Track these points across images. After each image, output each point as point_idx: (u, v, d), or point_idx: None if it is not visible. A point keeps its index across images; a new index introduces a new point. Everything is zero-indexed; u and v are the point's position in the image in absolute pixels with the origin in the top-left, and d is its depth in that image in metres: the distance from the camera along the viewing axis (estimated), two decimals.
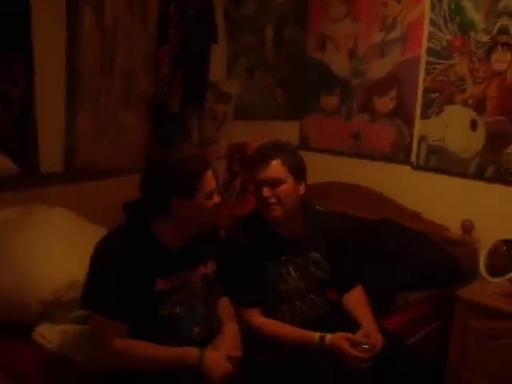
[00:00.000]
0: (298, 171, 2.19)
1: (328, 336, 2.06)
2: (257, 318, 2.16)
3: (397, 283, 2.74)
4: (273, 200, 2.14)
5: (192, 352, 1.89)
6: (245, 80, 3.88)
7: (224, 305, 2.17)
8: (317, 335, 2.07)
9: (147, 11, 3.47)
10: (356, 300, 2.32)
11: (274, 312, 2.20)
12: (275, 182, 2.13)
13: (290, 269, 2.23)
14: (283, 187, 2.14)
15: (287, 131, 3.60)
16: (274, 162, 2.13)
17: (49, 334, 2.31)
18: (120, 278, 1.83)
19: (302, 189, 2.21)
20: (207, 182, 1.90)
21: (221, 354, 1.92)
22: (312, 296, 2.29)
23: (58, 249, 2.51)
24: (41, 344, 2.28)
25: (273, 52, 3.71)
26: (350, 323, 2.18)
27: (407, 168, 3.15)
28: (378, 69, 3.21)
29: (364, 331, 2.10)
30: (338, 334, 2.06)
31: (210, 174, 1.92)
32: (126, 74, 3.43)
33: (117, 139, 3.47)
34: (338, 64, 3.38)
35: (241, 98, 3.91)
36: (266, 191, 2.13)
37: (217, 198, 1.96)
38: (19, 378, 2.08)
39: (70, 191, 3.25)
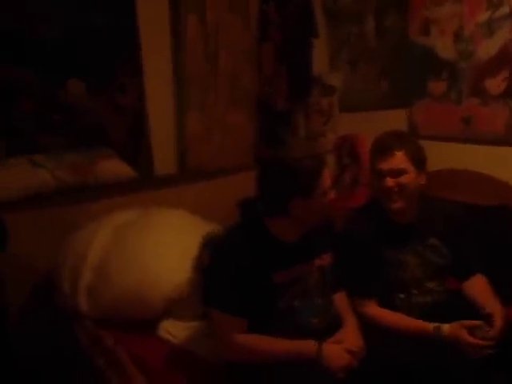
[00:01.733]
0: (420, 162, 2.22)
1: (445, 326, 2.02)
2: (372, 309, 2.16)
3: None
4: (396, 189, 2.16)
5: (310, 345, 1.91)
6: (348, 72, 3.84)
7: (341, 298, 2.19)
8: (431, 325, 2.05)
9: (248, 10, 3.54)
10: (478, 286, 2.26)
11: (391, 301, 2.21)
12: (399, 172, 2.16)
13: (409, 256, 2.23)
14: (406, 177, 2.17)
15: (394, 120, 3.53)
16: (398, 152, 2.16)
17: (174, 330, 2.43)
18: (238, 275, 1.89)
19: (422, 179, 2.23)
20: (324, 180, 1.93)
21: (339, 347, 1.93)
22: (429, 284, 2.25)
23: (176, 248, 2.63)
24: (167, 339, 2.40)
25: (375, 41, 3.64)
26: (470, 313, 2.11)
27: None
28: (486, 49, 3.06)
29: (487, 312, 2.04)
30: (456, 322, 2.02)
31: (326, 171, 1.95)
32: (231, 73, 3.52)
33: (225, 139, 3.57)
34: (444, 47, 3.26)
35: (345, 90, 3.88)
36: (390, 181, 2.16)
37: (332, 194, 1.98)
38: (150, 372, 2.19)
39: (183, 192, 3.38)
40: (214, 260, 2.00)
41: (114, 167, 3.06)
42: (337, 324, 2.08)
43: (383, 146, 2.21)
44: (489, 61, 3.06)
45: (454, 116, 3.27)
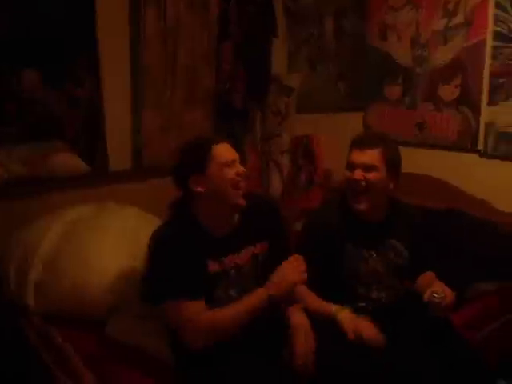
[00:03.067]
0: (393, 166, 2.23)
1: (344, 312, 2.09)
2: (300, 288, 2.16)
3: (466, 274, 2.68)
4: (362, 184, 2.18)
5: (260, 291, 1.96)
6: (306, 72, 3.87)
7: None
8: (333, 308, 2.11)
9: (208, 7, 3.53)
10: (426, 276, 2.30)
11: (351, 294, 2.23)
12: (369, 168, 2.18)
13: (372, 252, 2.26)
14: (375, 175, 2.18)
15: (350, 122, 3.58)
16: (375, 148, 2.19)
17: (121, 327, 2.39)
18: (177, 265, 1.91)
19: (392, 184, 2.24)
20: (218, 153, 1.97)
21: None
22: (389, 281, 2.28)
23: (126, 248, 2.60)
24: (115, 336, 2.37)
25: (333, 43, 3.68)
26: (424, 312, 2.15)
27: (474, 156, 3.06)
28: (441, 56, 3.13)
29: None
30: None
31: (222, 146, 1.99)
32: (189, 71, 3.50)
33: (182, 136, 3.54)
34: (400, 52, 3.33)
35: (303, 91, 3.91)
36: (358, 174, 2.18)
37: (239, 168, 1.99)
38: (98, 369, 2.15)
39: (138, 188, 3.35)
40: (152, 257, 2.00)
41: (68, 161, 3.01)
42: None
43: (362, 141, 2.24)
44: (443, 68, 3.13)
45: (408, 120, 3.33)
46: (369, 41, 3.48)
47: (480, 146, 3.03)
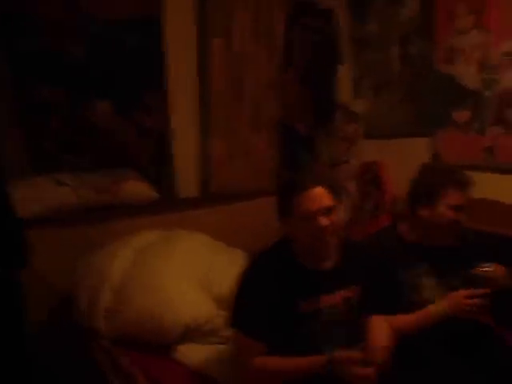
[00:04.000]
0: None
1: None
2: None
3: None
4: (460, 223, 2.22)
5: (321, 357, 1.86)
6: (372, 98, 3.86)
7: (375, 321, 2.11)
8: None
9: (273, 36, 3.58)
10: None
11: None
12: (460, 208, 2.20)
13: (425, 279, 2.22)
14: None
15: (417, 148, 3.53)
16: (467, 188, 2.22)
17: (191, 353, 2.42)
18: (264, 300, 1.90)
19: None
20: (303, 201, 1.88)
21: (348, 354, 1.83)
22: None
23: (197, 274, 2.63)
24: (182, 361, 2.39)
25: (399, 68, 3.66)
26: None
27: None
28: (511, 79, 3.07)
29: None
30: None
31: (311, 193, 1.89)
32: (255, 99, 3.54)
33: (248, 163, 3.58)
34: (468, 76, 3.26)
35: (369, 117, 3.89)
36: (459, 215, 2.20)
37: (323, 221, 1.89)
38: None
39: (205, 215, 3.39)
40: (242, 283, 2.00)
41: (137, 188, 3.08)
42: None
43: (463, 179, 2.23)
44: None
45: (477, 145, 3.25)
46: (436, 65, 3.43)
47: None
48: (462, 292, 2.07)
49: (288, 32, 3.66)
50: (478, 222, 2.90)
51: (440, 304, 2.07)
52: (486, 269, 2.06)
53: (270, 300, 1.90)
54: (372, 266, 2.14)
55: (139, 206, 3.08)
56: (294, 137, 3.75)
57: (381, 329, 2.01)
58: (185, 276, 2.62)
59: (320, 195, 1.90)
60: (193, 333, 2.49)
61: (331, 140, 3.94)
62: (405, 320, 2.13)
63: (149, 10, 3.06)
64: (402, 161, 3.61)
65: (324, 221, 1.89)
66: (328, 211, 1.91)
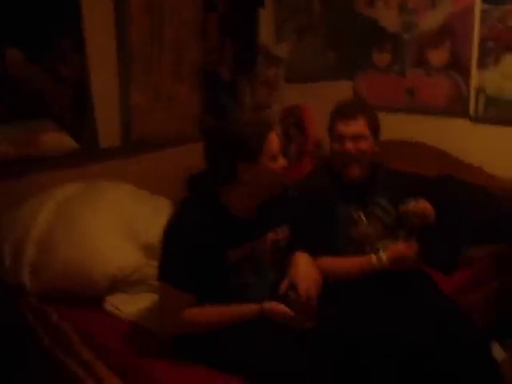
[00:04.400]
0: (377, 131, 2.29)
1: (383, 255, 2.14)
2: (319, 261, 2.17)
3: (461, 238, 2.70)
4: (354, 153, 2.22)
5: (254, 306, 1.91)
6: (294, 42, 3.84)
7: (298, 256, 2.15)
8: (373, 258, 2.14)
9: None
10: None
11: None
12: (359, 137, 2.21)
13: (361, 214, 2.28)
14: (365, 143, 2.23)
15: (340, 91, 3.54)
16: (360, 118, 2.22)
17: (120, 304, 2.40)
18: (191, 251, 1.87)
19: (376, 146, 2.30)
20: (270, 144, 1.91)
21: (280, 305, 1.89)
22: (380, 243, 2.29)
23: (121, 224, 2.59)
24: (111, 312, 2.38)
25: (321, 11, 3.65)
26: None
27: (465, 121, 3.06)
28: (429, 21, 3.10)
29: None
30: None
31: (272, 136, 1.93)
32: (175, 44, 3.45)
33: (170, 110, 3.52)
34: (388, 19, 3.29)
35: (291, 61, 3.88)
36: (349, 145, 2.21)
37: (282, 161, 1.96)
38: (97, 347, 2.16)
39: (128, 164, 3.33)
40: (167, 235, 1.96)
41: (57, 139, 2.98)
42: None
43: (346, 111, 2.25)
44: (432, 32, 3.11)
45: (398, 87, 3.32)
46: (356, 8, 3.44)
47: (470, 111, 3.03)
48: (402, 247, 2.15)
49: None
50: (399, 162, 2.99)
51: (381, 258, 2.12)
52: (419, 204, 2.13)
53: (197, 250, 1.87)
54: (299, 206, 2.20)
55: (60, 157, 2.98)
56: (217, 82, 3.70)
57: (304, 264, 2.06)
58: (110, 226, 2.58)
59: (277, 136, 1.97)
60: (121, 283, 2.47)
61: (253, 85, 3.92)
62: (344, 264, 2.18)
63: None
64: (324, 104, 3.62)
65: (284, 160, 1.97)
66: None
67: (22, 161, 2.83)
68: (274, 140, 1.93)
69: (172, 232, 1.95)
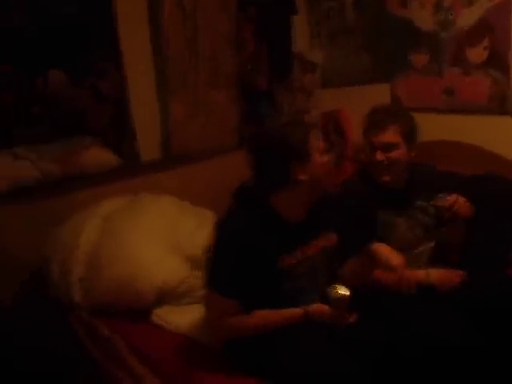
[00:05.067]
0: (411, 136, 2.28)
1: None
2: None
3: (506, 238, 2.65)
4: (385, 163, 2.23)
5: (297, 310, 1.94)
6: (329, 47, 3.83)
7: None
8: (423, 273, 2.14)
9: None
10: None
11: None
12: (389, 147, 2.22)
13: (401, 219, 2.30)
14: (396, 152, 2.24)
15: (377, 94, 3.53)
16: (391, 127, 2.22)
17: (167, 316, 2.43)
18: (243, 258, 1.89)
19: (413, 151, 2.29)
20: (315, 141, 1.94)
21: (325, 307, 1.93)
22: (419, 248, 2.31)
23: (166, 236, 2.62)
24: (160, 325, 2.40)
25: (354, 15, 3.63)
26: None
27: (507, 118, 3.01)
28: (466, 18, 3.05)
29: None
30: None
31: (313, 133, 1.95)
32: (211, 55, 3.48)
33: (209, 122, 3.54)
34: (423, 19, 3.25)
35: (327, 66, 3.87)
36: (380, 155, 2.23)
37: (326, 157, 1.97)
38: (148, 360, 2.19)
39: (169, 177, 3.36)
40: (217, 241, 1.97)
41: (98, 156, 3.03)
42: None
43: (376, 120, 2.25)
44: (469, 30, 3.06)
45: (436, 87, 3.27)
46: (390, 9, 3.41)
47: (511, 108, 2.97)
48: (456, 273, 2.16)
49: None
50: (441, 162, 2.95)
51: (431, 275, 2.13)
52: (448, 198, 2.14)
53: (248, 255, 1.88)
54: (342, 211, 2.19)
55: (102, 173, 3.03)
56: (254, 91, 3.72)
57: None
58: (154, 239, 2.61)
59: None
60: (167, 295, 2.50)
61: (291, 92, 3.92)
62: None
63: None
64: (362, 108, 3.61)
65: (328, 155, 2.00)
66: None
67: (66, 179, 2.88)
68: (315, 137, 1.95)
69: (222, 238, 1.96)
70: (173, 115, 3.38)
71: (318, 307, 1.93)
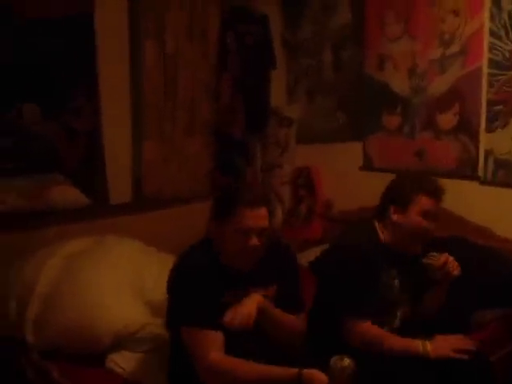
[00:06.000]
0: None
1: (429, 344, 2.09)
2: (369, 328, 2.16)
3: (471, 302, 2.66)
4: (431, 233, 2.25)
5: (292, 370, 1.86)
6: (305, 104, 3.90)
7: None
8: (420, 344, 2.09)
9: (207, 40, 3.57)
10: None
11: (386, 322, 2.24)
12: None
13: (396, 280, 2.27)
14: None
15: (350, 152, 3.59)
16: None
17: (122, 362, 2.36)
18: (201, 292, 1.89)
19: None
20: (241, 217, 1.91)
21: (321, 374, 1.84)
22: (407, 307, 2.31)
23: (129, 281, 2.57)
24: (114, 371, 2.34)
25: (332, 74, 3.71)
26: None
27: (474, 184, 3.06)
28: (438, 85, 3.15)
29: None
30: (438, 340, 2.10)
31: (248, 212, 1.92)
32: (189, 102, 3.51)
33: (182, 167, 3.55)
34: (398, 83, 3.35)
35: (302, 122, 3.92)
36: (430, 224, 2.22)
37: (255, 241, 1.93)
38: None
39: (139, 220, 3.34)
40: (177, 279, 1.97)
41: (67, 194, 3.00)
42: None
43: (435, 188, 2.27)
44: (441, 96, 3.15)
45: (407, 149, 3.34)
46: (367, 71, 3.50)
47: (480, 173, 3.03)
48: (447, 339, 2.12)
49: (223, 36, 3.65)
50: None
51: (426, 345, 2.08)
52: (440, 257, 2.15)
53: (204, 291, 1.90)
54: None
55: (70, 212, 2.99)
56: (229, 141, 3.75)
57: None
58: (115, 282, 2.55)
59: (263, 216, 1.95)
60: (125, 340, 2.42)
61: (265, 145, 3.96)
62: (390, 340, 2.15)
63: (79, 9, 2.98)
64: (334, 166, 3.66)
65: (255, 241, 1.93)
66: (262, 232, 1.95)
67: (32, 214, 2.84)
68: (247, 216, 1.92)
69: (180, 276, 1.96)
70: (146, 159, 3.38)
71: (314, 373, 1.82)
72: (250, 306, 1.94)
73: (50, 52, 2.89)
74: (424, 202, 2.21)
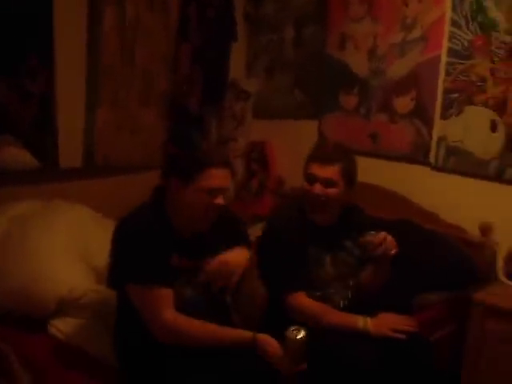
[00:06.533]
0: (351, 180, 2.30)
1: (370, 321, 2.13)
2: (303, 299, 2.20)
3: (414, 284, 2.72)
4: (322, 199, 2.23)
5: (247, 334, 1.91)
6: (264, 79, 3.88)
7: None
8: (360, 320, 2.13)
9: (168, 10, 3.49)
10: None
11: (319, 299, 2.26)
12: (329, 183, 2.22)
13: (327, 256, 2.31)
14: (334, 190, 2.24)
15: (306, 130, 3.60)
16: (336, 164, 2.23)
17: (64, 327, 2.34)
18: (148, 250, 1.88)
19: (348, 195, 2.32)
20: (206, 178, 1.93)
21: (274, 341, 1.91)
22: (343, 283, 2.34)
23: (75, 247, 2.54)
24: (55, 336, 2.31)
25: (292, 51, 3.70)
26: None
27: (426, 169, 3.12)
28: (397, 69, 3.19)
29: None
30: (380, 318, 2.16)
31: (214, 171, 1.94)
32: (146, 72, 3.45)
33: (136, 136, 3.50)
34: (358, 63, 3.37)
35: (260, 97, 3.91)
36: (318, 188, 2.22)
37: (219, 200, 1.97)
38: (36, 370, 2.11)
39: (88, 186, 3.28)
40: (121, 236, 1.94)
41: (17, 155, 2.91)
42: None
43: (323, 155, 2.26)
44: (399, 80, 3.18)
45: (362, 131, 3.37)
46: (327, 50, 3.50)
47: (431, 159, 3.09)
48: (389, 317, 2.18)
49: (184, 7, 3.58)
50: (360, 204, 3.01)
51: (367, 323, 2.12)
52: (378, 235, 2.16)
53: (153, 247, 1.89)
54: (271, 245, 2.27)
55: (19, 174, 2.91)
56: (184, 113, 3.70)
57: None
58: (62, 247, 2.52)
59: (227, 176, 2.00)
60: (68, 306, 2.40)
61: (221, 118, 3.93)
62: (328, 313, 2.19)
63: None
64: (289, 142, 3.66)
65: (221, 200, 1.97)
66: (226, 192, 2.01)
67: None
68: (214, 176, 1.94)
69: (126, 230, 1.94)
70: (99, 126, 3.31)
71: (267, 338, 1.90)
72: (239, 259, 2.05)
73: (2, 11, 2.77)
74: (313, 169, 2.27)
